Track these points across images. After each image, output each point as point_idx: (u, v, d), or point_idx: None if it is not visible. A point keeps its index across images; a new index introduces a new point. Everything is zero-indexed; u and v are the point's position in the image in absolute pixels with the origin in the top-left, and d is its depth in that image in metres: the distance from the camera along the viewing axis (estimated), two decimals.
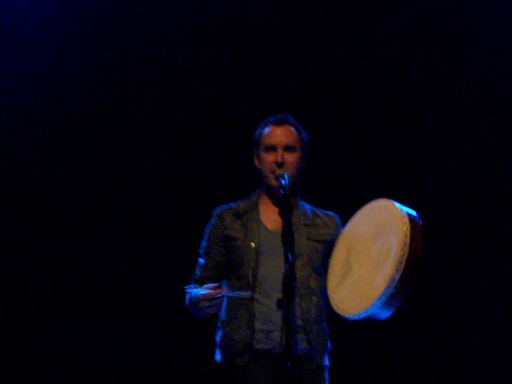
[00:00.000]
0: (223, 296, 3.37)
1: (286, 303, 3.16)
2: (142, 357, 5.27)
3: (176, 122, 5.42)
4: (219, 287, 3.37)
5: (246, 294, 3.41)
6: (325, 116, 5.39)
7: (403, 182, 5.38)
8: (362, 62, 5.44)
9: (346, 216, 3.62)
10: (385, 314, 3.24)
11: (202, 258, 3.64)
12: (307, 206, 3.70)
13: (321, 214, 3.69)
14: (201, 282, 3.56)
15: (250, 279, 3.49)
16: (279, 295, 3.20)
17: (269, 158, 3.57)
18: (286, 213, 3.42)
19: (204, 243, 3.66)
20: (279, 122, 3.62)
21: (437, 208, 5.33)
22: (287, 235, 3.32)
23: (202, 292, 3.34)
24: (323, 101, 5.42)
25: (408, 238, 3.16)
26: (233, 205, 3.68)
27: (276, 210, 3.61)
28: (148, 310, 5.30)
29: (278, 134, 3.59)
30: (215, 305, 3.35)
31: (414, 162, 5.45)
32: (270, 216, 3.61)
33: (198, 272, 3.63)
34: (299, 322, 3.47)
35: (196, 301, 3.38)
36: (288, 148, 3.57)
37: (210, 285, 3.38)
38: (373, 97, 5.45)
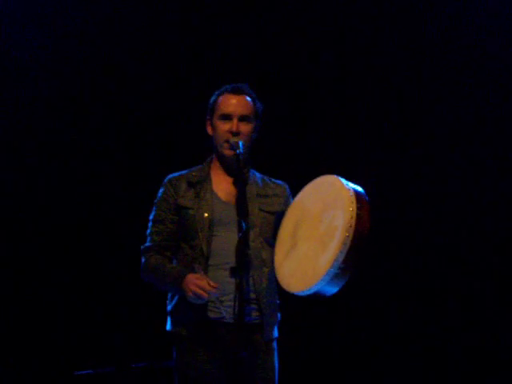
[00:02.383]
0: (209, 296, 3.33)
1: (239, 272, 3.16)
2: None
3: (132, 85, 5.36)
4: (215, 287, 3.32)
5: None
6: (277, 84, 5.36)
7: (354, 154, 5.38)
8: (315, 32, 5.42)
9: (294, 186, 3.62)
10: (330, 291, 3.25)
11: (154, 226, 3.58)
12: (257, 175, 3.68)
13: (270, 183, 3.68)
14: (159, 252, 3.54)
15: (205, 250, 3.48)
16: (233, 265, 3.19)
17: (223, 126, 3.53)
18: (240, 183, 3.38)
19: (155, 211, 3.60)
20: (235, 91, 3.58)
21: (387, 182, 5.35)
22: (241, 206, 3.29)
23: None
24: (278, 68, 5.40)
25: (354, 220, 3.15)
26: (184, 172, 3.64)
27: (228, 179, 3.58)
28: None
29: (233, 103, 3.55)
30: (198, 298, 3.32)
31: (364, 135, 5.45)
32: (222, 186, 3.59)
33: (152, 241, 3.57)
34: (251, 293, 3.47)
35: (188, 284, 3.33)
36: (243, 118, 3.54)
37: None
38: (327, 66, 5.44)
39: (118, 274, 5.20)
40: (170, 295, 3.57)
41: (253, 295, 3.47)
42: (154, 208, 3.61)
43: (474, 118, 5.36)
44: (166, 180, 3.63)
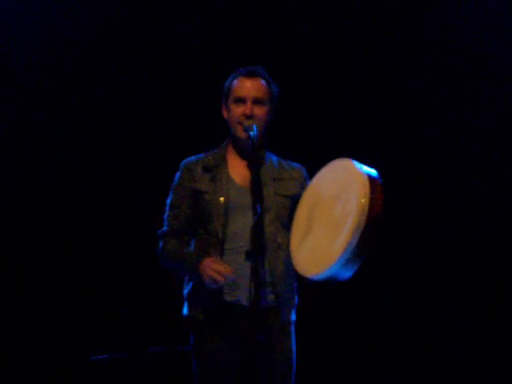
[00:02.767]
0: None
1: (254, 255, 3.15)
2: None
3: (147, 72, 5.35)
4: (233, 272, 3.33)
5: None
6: (297, 69, 5.34)
7: (370, 138, 5.36)
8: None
9: (312, 169, 3.60)
10: (346, 275, 3.24)
11: (171, 210, 3.59)
12: (274, 158, 3.67)
13: (287, 166, 3.66)
14: (176, 237, 3.55)
15: (220, 234, 3.48)
16: (248, 249, 3.20)
17: (237, 109, 3.52)
18: (254, 166, 3.38)
19: (172, 196, 3.61)
20: (249, 74, 3.56)
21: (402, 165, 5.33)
22: (256, 189, 3.30)
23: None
24: (297, 53, 5.38)
25: (366, 204, 3.14)
26: (201, 156, 3.63)
27: (244, 163, 3.57)
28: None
29: (247, 86, 3.53)
30: (214, 282, 3.32)
31: (382, 120, 5.42)
32: (238, 170, 3.57)
33: (169, 226, 3.58)
34: (267, 277, 3.46)
35: (206, 270, 3.33)
36: (257, 101, 3.52)
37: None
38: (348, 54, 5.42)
39: (137, 258, 5.21)
40: (186, 279, 3.58)
41: (269, 278, 3.46)
42: (171, 192, 3.62)
43: (474, 118, 5.34)
44: (182, 164, 3.62)
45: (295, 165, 3.69)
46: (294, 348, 3.55)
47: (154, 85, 5.35)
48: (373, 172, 3.26)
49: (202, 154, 3.64)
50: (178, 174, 3.62)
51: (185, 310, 3.57)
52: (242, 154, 3.58)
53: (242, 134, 3.50)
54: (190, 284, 3.53)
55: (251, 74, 3.56)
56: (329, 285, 3.28)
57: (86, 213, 5.30)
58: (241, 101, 3.52)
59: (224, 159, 3.60)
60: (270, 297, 3.47)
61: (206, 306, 3.48)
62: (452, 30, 5.33)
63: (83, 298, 5.26)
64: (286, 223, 3.54)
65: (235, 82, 3.56)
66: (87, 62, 5.30)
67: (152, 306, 5.19)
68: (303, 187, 3.59)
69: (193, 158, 3.63)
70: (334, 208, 3.30)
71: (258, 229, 3.17)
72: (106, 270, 5.29)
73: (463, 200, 5.36)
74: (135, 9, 5.32)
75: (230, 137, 3.62)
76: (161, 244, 3.57)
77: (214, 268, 3.31)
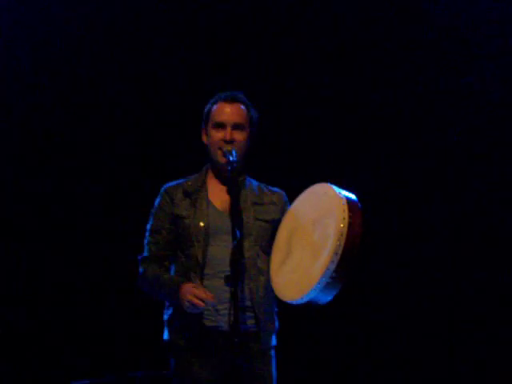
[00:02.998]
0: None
1: (234, 280, 3.15)
2: None
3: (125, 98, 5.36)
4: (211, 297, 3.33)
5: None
6: (274, 93, 5.36)
7: (349, 162, 5.37)
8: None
9: (291, 194, 3.62)
10: (324, 300, 3.26)
11: (152, 236, 3.58)
12: (254, 183, 3.68)
13: (267, 190, 3.68)
14: (156, 262, 3.55)
15: (200, 259, 3.48)
16: (228, 273, 3.20)
17: (217, 134, 3.53)
18: (233, 190, 3.38)
19: (152, 221, 3.61)
20: (229, 99, 3.58)
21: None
22: (235, 214, 3.30)
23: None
24: (275, 78, 5.41)
25: (345, 228, 3.16)
26: (181, 181, 3.64)
27: (224, 188, 3.56)
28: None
29: (227, 112, 3.55)
30: (194, 307, 3.32)
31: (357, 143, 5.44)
32: (218, 195, 3.58)
33: (149, 251, 3.57)
34: (247, 301, 3.46)
35: (185, 292, 3.34)
36: (237, 126, 3.54)
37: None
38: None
39: (116, 283, 5.20)
40: (166, 304, 3.57)
41: (249, 303, 3.47)
42: (151, 217, 3.61)
43: (474, 118, 5.37)
44: (162, 189, 3.63)
45: (275, 189, 3.70)
46: (274, 373, 3.54)
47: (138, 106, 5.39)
48: (351, 196, 3.28)
49: (183, 180, 3.65)
50: (158, 198, 3.62)
51: (165, 335, 3.56)
52: (222, 178, 3.58)
53: (221, 159, 3.50)
54: (171, 309, 3.53)
55: (231, 100, 3.57)
56: (309, 309, 3.29)
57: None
58: (220, 126, 3.54)
59: (204, 184, 3.60)
60: (250, 321, 3.47)
61: (186, 331, 3.47)
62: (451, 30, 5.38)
63: (65, 322, 5.24)
64: (266, 248, 3.55)
65: (215, 107, 3.58)
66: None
67: (131, 330, 5.17)
68: (283, 212, 3.60)
69: (173, 182, 3.64)
70: (313, 232, 3.32)
71: (237, 254, 3.17)
72: (88, 293, 5.27)
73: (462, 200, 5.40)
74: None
75: (210, 162, 3.63)
76: (141, 269, 3.57)
77: (194, 293, 3.31)
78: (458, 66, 5.36)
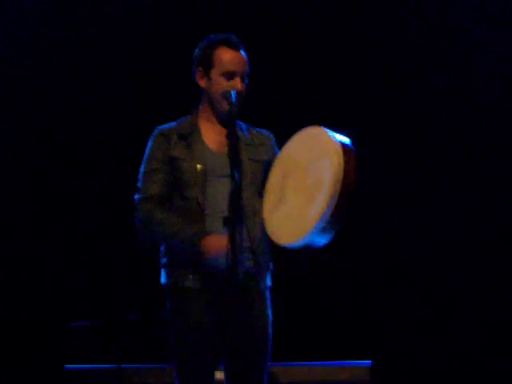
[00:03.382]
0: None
1: (232, 221, 3.18)
2: None
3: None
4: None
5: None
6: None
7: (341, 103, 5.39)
8: None
9: (280, 136, 3.63)
10: (321, 242, 3.30)
11: (150, 176, 3.53)
12: (243, 125, 3.68)
13: (256, 132, 3.68)
14: (160, 203, 3.51)
15: (200, 200, 3.48)
16: (226, 215, 3.23)
17: (226, 83, 3.51)
18: (234, 132, 3.38)
19: (147, 164, 3.56)
20: (236, 47, 3.54)
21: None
22: (234, 155, 3.31)
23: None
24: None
25: (341, 174, 3.19)
26: (173, 125, 3.62)
27: (218, 130, 3.58)
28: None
29: (238, 62, 3.52)
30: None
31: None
32: (212, 137, 3.58)
33: (147, 191, 3.52)
34: (246, 242, 3.49)
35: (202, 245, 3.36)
36: (243, 75, 3.54)
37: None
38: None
39: (109, 227, 5.25)
40: (163, 248, 3.58)
41: (247, 244, 3.49)
42: (146, 160, 3.57)
43: (473, 117, 5.39)
44: (156, 132, 3.59)
45: (263, 131, 3.70)
46: (270, 314, 3.58)
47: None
48: (345, 140, 3.30)
49: (174, 123, 3.63)
50: (151, 141, 3.58)
51: (163, 278, 3.57)
52: (217, 121, 3.58)
53: (226, 107, 3.49)
54: (169, 252, 3.54)
55: (237, 47, 3.54)
56: (304, 251, 3.33)
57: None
58: (230, 75, 3.51)
59: (197, 127, 3.59)
60: (249, 262, 3.49)
61: (184, 273, 3.49)
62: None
63: (60, 266, 5.28)
64: (260, 189, 3.57)
65: (221, 53, 3.53)
66: None
67: (130, 272, 5.21)
68: (273, 153, 3.62)
69: (165, 125, 3.61)
70: (306, 176, 3.34)
71: (236, 195, 3.19)
72: (82, 237, 5.31)
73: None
74: None
75: (209, 105, 3.60)
76: (142, 212, 3.51)
77: (220, 244, 3.32)
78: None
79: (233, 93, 3.44)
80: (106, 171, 5.29)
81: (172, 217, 3.49)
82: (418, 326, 5.35)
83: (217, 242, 3.35)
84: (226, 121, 3.48)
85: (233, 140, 3.34)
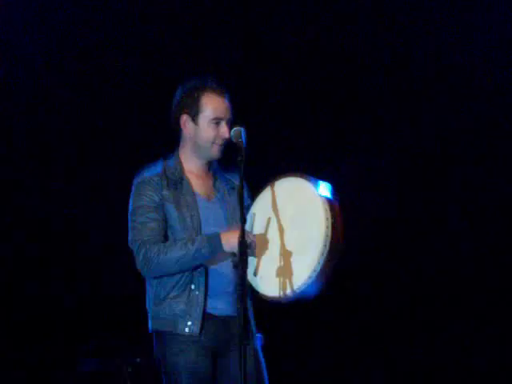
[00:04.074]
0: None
1: (243, 264, 3.19)
2: None
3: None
4: None
5: None
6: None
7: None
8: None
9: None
10: (311, 294, 3.33)
11: (143, 225, 3.44)
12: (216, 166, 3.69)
13: (230, 177, 3.66)
14: (154, 242, 3.44)
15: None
16: (232, 258, 3.27)
17: (213, 130, 3.51)
18: (242, 178, 3.34)
19: (141, 211, 3.47)
20: (221, 92, 3.55)
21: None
22: (240, 200, 3.30)
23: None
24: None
25: (329, 231, 3.26)
26: (159, 170, 3.54)
27: (203, 177, 3.59)
28: None
29: (225, 108, 3.53)
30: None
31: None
32: (199, 184, 3.57)
33: (143, 239, 3.44)
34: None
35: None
36: (228, 122, 3.54)
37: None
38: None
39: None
40: (152, 290, 3.51)
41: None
42: (137, 208, 3.49)
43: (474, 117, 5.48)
44: (142, 179, 3.51)
45: (234, 175, 3.64)
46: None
47: None
48: (328, 193, 3.34)
49: (158, 168, 3.55)
50: (139, 189, 3.50)
51: (154, 325, 3.51)
52: (200, 166, 3.58)
53: (218, 154, 3.52)
54: (162, 295, 3.48)
55: (223, 92, 3.55)
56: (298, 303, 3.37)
57: None
58: (217, 121, 3.51)
59: (183, 173, 3.55)
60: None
61: (182, 319, 3.44)
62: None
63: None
64: None
65: (206, 98, 3.52)
66: None
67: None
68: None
69: (150, 173, 3.53)
70: (293, 230, 3.36)
71: (244, 238, 3.20)
72: None
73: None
74: None
75: (183, 148, 3.58)
76: (142, 252, 3.43)
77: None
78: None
79: (243, 139, 3.39)
80: None
81: (172, 241, 3.44)
82: None
83: (233, 233, 3.31)
84: (210, 166, 3.56)
85: (241, 184, 3.32)
